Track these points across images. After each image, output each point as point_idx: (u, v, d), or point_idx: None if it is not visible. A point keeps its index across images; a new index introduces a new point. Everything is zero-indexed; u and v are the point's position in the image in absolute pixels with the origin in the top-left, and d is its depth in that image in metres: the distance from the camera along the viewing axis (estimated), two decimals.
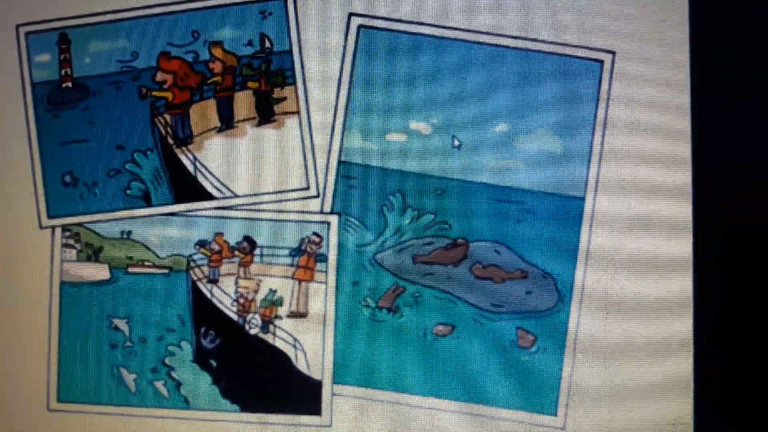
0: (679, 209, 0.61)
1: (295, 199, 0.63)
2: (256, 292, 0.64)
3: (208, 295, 0.64)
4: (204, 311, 0.65)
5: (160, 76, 0.64)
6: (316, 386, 0.64)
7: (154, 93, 0.64)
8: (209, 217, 0.64)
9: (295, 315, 0.64)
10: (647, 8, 0.61)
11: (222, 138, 0.64)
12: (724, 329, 0.62)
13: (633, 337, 0.62)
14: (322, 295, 0.63)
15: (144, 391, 0.65)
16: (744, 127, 0.62)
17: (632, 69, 0.61)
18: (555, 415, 0.62)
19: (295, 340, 0.64)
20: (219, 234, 0.64)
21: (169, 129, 0.64)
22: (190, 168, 0.64)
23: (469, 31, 0.62)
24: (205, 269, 0.64)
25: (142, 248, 0.64)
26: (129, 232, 0.64)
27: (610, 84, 0.61)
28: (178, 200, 0.64)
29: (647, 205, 0.61)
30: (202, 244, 0.64)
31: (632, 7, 0.61)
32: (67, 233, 0.65)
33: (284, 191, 0.63)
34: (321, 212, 0.63)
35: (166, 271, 0.64)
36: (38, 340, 0.65)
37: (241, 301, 0.64)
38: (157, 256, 0.64)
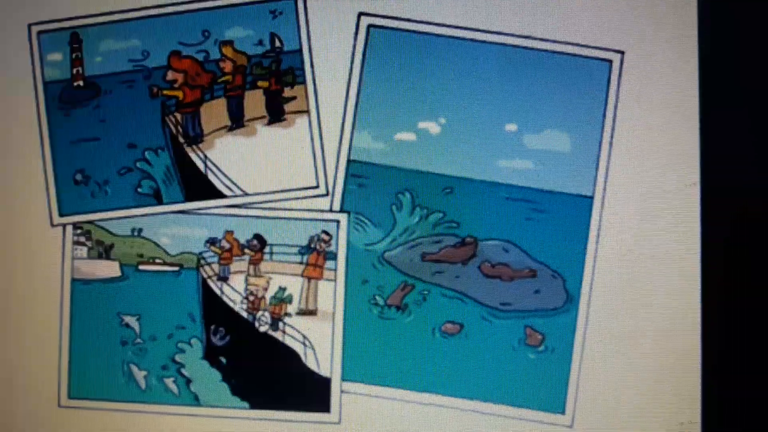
0: (687, 209, 0.61)
1: (305, 198, 0.64)
2: (265, 289, 0.65)
3: (218, 292, 0.65)
4: (214, 309, 0.65)
5: (171, 75, 0.64)
6: (325, 383, 0.64)
7: (165, 92, 0.64)
8: (219, 215, 0.64)
9: (304, 312, 0.64)
10: (656, 8, 0.61)
11: (232, 137, 0.64)
12: (732, 329, 0.62)
13: (641, 336, 0.62)
14: (331, 293, 0.64)
15: (154, 387, 0.65)
16: (753, 127, 0.62)
17: (641, 69, 0.61)
18: (563, 413, 0.63)
19: (305, 337, 0.64)
20: (229, 232, 0.64)
21: (179, 128, 0.64)
22: (201, 166, 0.64)
23: (478, 30, 0.62)
24: (216, 267, 0.65)
25: (153, 246, 0.65)
26: (140, 230, 0.65)
27: (618, 84, 0.61)
28: (188, 198, 0.65)
29: (655, 205, 0.61)
30: (212, 242, 0.64)
31: (641, 6, 0.61)
32: (78, 231, 0.65)
33: (294, 190, 0.64)
34: (330, 210, 0.64)
35: (176, 268, 0.65)
36: (49, 337, 0.66)
37: (251, 298, 0.65)
38: (168, 254, 0.65)
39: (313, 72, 0.63)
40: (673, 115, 0.61)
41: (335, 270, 0.64)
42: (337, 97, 0.63)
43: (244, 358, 0.65)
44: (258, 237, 0.64)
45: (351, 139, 0.63)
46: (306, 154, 0.64)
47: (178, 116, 0.65)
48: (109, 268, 0.65)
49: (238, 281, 0.65)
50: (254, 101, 0.64)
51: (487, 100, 0.62)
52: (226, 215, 0.64)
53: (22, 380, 0.66)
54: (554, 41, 0.62)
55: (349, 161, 0.63)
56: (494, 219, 0.62)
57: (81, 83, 0.65)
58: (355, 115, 0.63)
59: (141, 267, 0.65)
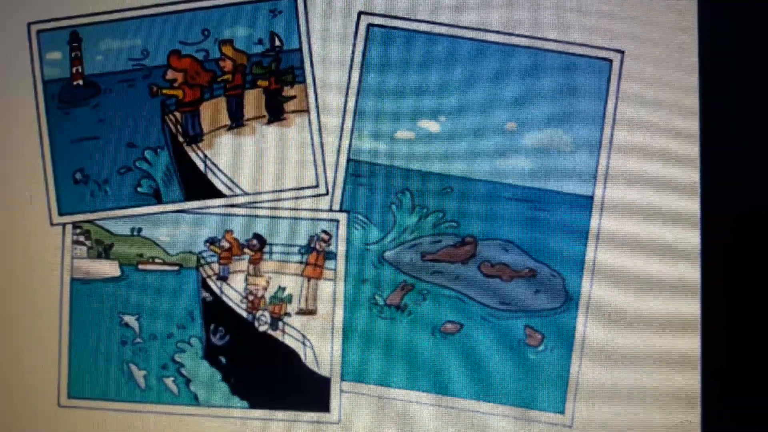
0: (687, 208, 0.61)
1: (305, 197, 0.64)
2: (265, 289, 0.65)
3: (218, 292, 0.65)
4: (213, 308, 0.65)
5: (170, 74, 0.64)
6: (324, 383, 0.64)
7: (164, 91, 0.64)
8: (219, 214, 0.64)
9: (304, 312, 0.64)
10: (656, 7, 0.61)
11: (232, 136, 0.64)
12: (732, 328, 0.62)
13: (640, 336, 0.62)
14: (330, 293, 0.64)
15: (154, 387, 0.65)
16: (752, 126, 0.62)
17: (641, 68, 0.61)
18: (563, 413, 0.63)
19: (304, 337, 0.64)
20: (229, 231, 0.64)
21: (179, 127, 0.64)
22: (201, 166, 0.64)
23: (478, 29, 0.62)
24: (215, 266, 0.65)
25: (153, 245, 0.65)
26: (139, 230, 0.65)
27: (618, 83, 0.61)
28: (188, 198, 0.64)
29: (655, 204, 0.61)
30: (212, 241, 0.64)
31: (641, 6, 0.61)
32: (78, 230, 0.65)
33: (294, 189, 0.64)
34: (330, 210, 0.64)
35: (176, 268, 0.65)
36: (49, 336, 0.65)
37: (251, 298, 0.65)
38: (167, 254, 0.65)
39: (312, 71, 0.63)
40: (673, 115, 0.61)
41: (335, 269, 0.64)
42: (336, 96, 0.63)
43: (244, 358, 0.65)
44: (257, 236, 0.64)
45: (351, 139, 0.63)
46: (306, 153, 0.64)
47: (178, 115, 0.64)
48: (109, 268, 0.65)
49: (237, 281, 0.65)
50: (254, 100, 0.64)
51: (487, 99, 0.62)
52: (225, 215, 0.64)
53: (21, 380, 0.66)
54: (554, 40, 0.61)
55: (348, 160, 0.63)
56: (494, 218, 0.62)
57: (80, 82, 0.65)
58: (354, 114, 0.63)
59: (140, 266, 0.65)
